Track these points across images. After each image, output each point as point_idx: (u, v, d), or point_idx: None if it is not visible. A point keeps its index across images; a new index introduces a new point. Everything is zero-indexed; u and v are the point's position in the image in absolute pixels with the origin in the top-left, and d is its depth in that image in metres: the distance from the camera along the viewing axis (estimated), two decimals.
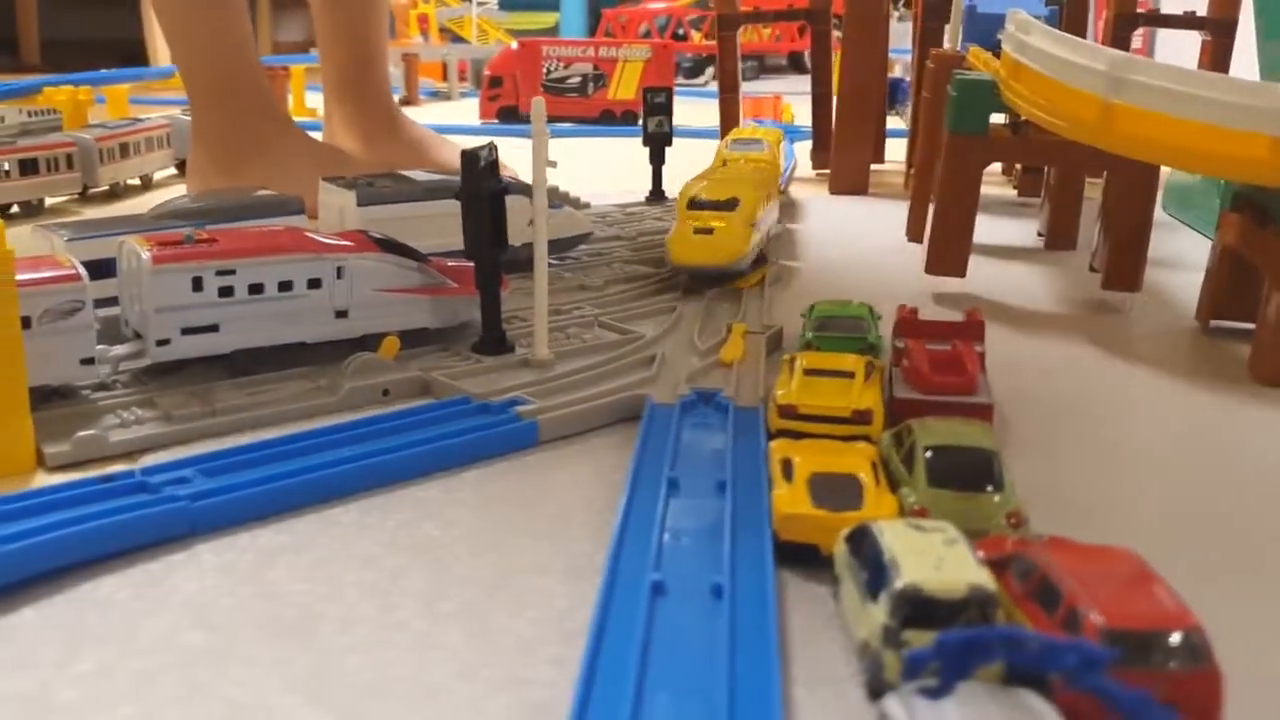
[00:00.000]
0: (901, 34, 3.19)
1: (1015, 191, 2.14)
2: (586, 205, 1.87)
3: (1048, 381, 1.09)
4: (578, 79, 3.56)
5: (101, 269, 1.00)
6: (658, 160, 1.99)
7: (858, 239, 1.76)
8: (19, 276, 0.83)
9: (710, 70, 5.64)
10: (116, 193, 2.04)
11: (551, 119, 3.42)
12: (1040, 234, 1.73)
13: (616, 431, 0.94)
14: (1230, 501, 0.83)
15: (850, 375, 0.90)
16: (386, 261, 1.07)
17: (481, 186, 1.03)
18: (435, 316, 1.10)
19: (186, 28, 1.80)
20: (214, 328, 0.98)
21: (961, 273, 1.36)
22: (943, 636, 0.49)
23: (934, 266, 1.36)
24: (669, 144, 1.98)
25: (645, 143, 1.98)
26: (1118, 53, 1.11)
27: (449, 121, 3.27)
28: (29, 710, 0.56)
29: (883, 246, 1.70)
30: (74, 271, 0.91)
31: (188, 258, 0.97)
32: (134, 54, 5.21)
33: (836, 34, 2.48)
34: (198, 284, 0.97)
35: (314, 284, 1.04)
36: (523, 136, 3.20)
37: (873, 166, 2.30)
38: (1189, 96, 1.05)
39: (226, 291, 0.98)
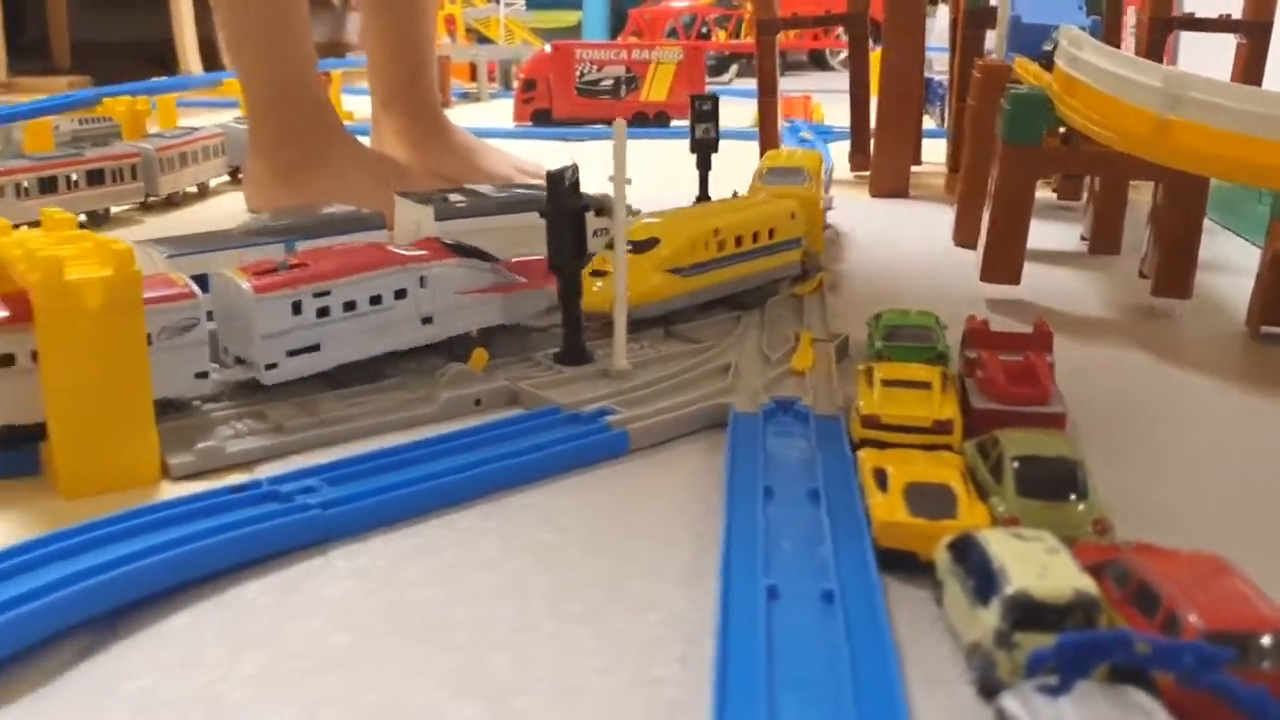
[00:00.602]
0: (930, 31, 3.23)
1: (1055, 194, 2.18)
2: (638, 212, 1.91)
3: (1106, 388, 1.13)
4: (610, 81, 3.61)
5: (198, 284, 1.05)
6: (704, 166, 2.03)
7: (904, 243, 1.80)
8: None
9: (734, 68, 5.69)
10: (175, 201, 2.09)
11: (584, 121, 3.47)
12: (1084, 238, 1.76)
13: (699, 439, 0.99)
14: None
15: (928, 386, 0.94)
16: (463, 265, 1.12)
17: (566, 204, 1.08)
18: (509, 313, 1.16)
19: (252, 39, 1.86)
20: (316, 347, 1.03)
21: (1016, 280, 1.40)
22: (1063, 638, 0.53)
23: (989, 274, 1.40)
24: (715, 150, 2.02)
25: (693, 149, 2.02)
26: (1174, 70, 1.15)
27: (481, 124, 3.31)
28: (199, 706, 0.61)
29: (930, 251, 1.74)
30: (188, 290, 0.96)
31: (286, 285, 1.02)
32: (163, 57, 5.28)
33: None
34: (297, 308, 1.02)
35: (400, 294, 1.09)
36: (556, 139, 3.24)
37: (912, 169, 2.34)
38: (1246, 112, 1.09)
39: (324, 312, 1.03)
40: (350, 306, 1.05)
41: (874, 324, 1.14)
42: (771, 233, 1.36)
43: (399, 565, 0.76)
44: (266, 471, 0.89)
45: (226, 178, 2.30)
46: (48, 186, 1.81)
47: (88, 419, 0.85)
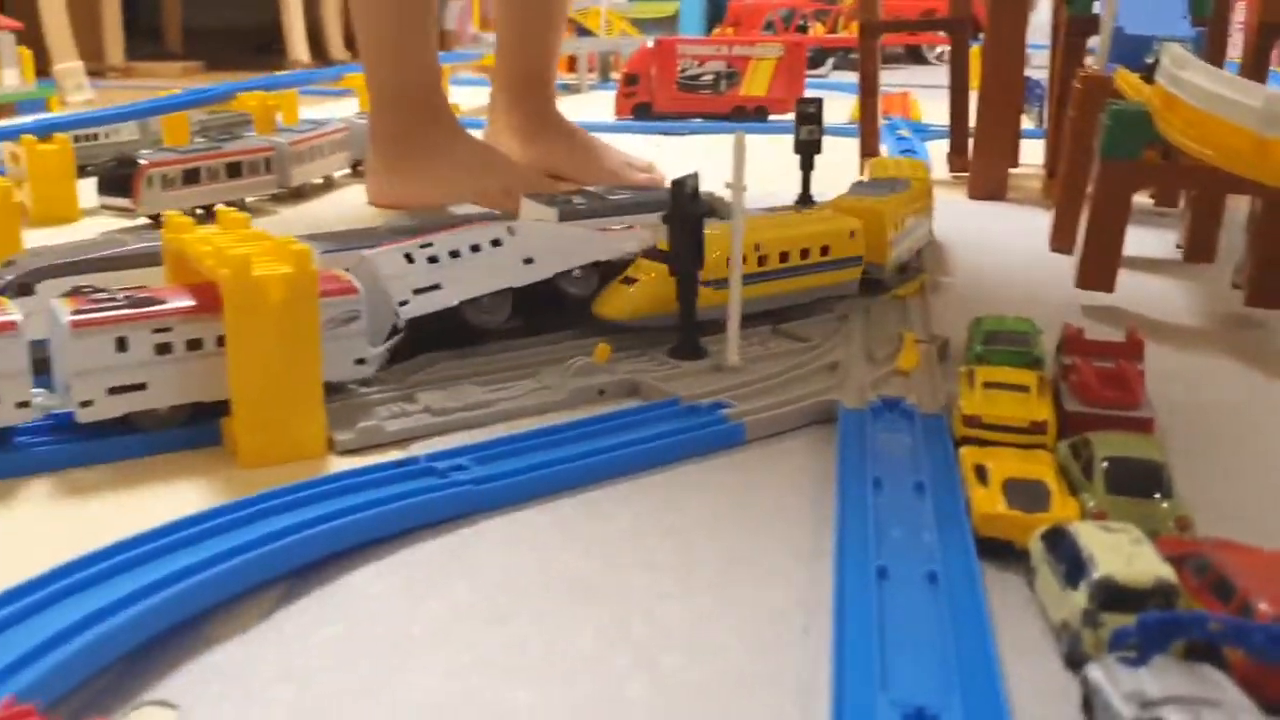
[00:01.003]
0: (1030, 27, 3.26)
1: (1152, 201, 2.21)
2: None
3: (1195, 394, 1.19)
4: (711, 76, 3.68)
5: None
6: (807, 167, 2.11)
7: (1001, 247, 1.86)
8: None
9: (831, 61, 5.72)
10: (303, 193, 2.22)
11: (683, 116, 3.54)
12: (1179, 245, 1.81)
13: (809, 433, 1.07)
14: None
15: (1026, 389, 1.01)
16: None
17: (688, 211, 1.17)
18: (605, 250, 1.27)
19: (380, 36, 1.97)
20: (437, 286, 1.18)
21: (1111, 288, 1.45)
22: (1143, 616, 0.61)
23: (1084, 281, 1.46)
24: (819, 151, 2.10)
25: (797, 150, 2.09)
26: (1274, 91, 1.20)
27: (582, 116, 3.41)
28: (393, 648, 0.71)
29: (1027, 256, 1.79)
30: (352, 284, 1.06)
31: (393, 241, 1.19)
32: (270, 43, 5.47)
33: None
34: (409, 258, 1.17)
35: (496, 243, 1.23)
36: (657, 133, 3.31)
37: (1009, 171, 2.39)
38: None
39: (433, 259, 1.19)
40: (455, 254, 1.20)
41: (974, 328, 1.21)
42: (825, 250, 1.37)
43: (543, 537, 0.86)
44: (418, 450, 0.99)
45: (349, 171, 2.42)
46: (191, 178, 1.94)
47: (265, 398, 0.96)
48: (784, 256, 1.33)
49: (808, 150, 2.09)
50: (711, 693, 0.67)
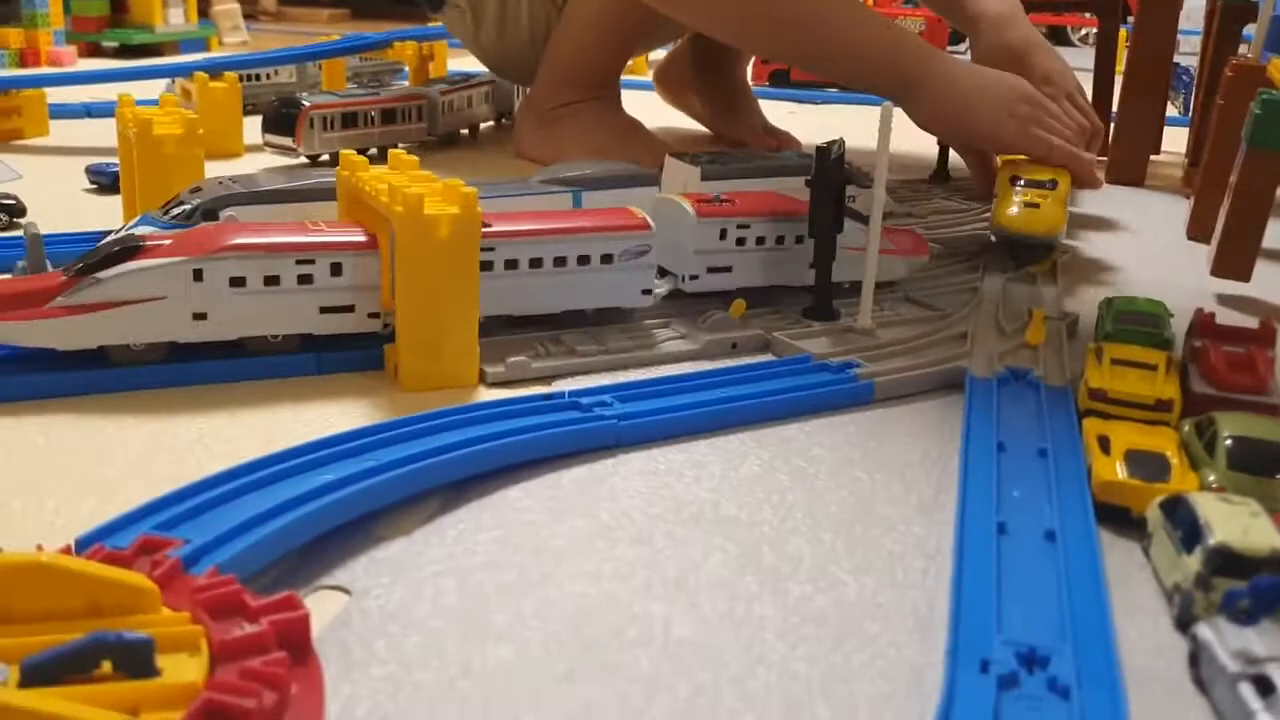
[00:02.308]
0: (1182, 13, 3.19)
1: None
2: (869, 179, 2.01)
3: None
4: None
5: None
6: (945, 144, 2.12)
7: (1137, 231, 1.85)
8: (608, 222, 1.16)
9: None
10: (452, 141, 2.30)
11: (820, 85, 3.53)
12: None
13: (937, 397, 1.10)
14: None
15: (1154, 368, 1.03)
16: (854, 224, 1.25)
17: (830, 177, 1.21)
18: (883, 271, 1.29)
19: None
20: (729, 269, 1.25)
21: (1247, 277, 1.45)
22: (1257, 578, 0.64)
23: (1220, 269, 1.46)
24: None
25: None
26: None
27: None
28: (541, 555, 0.78)
29: (1162, 242, 1.79)
30: (646, 222, 1.16)
31: (719, 214, 1.24)
32: None
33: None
34: (723, 234, 1.24)
35: (799, 240, 1.27)
36: (791, 100, 3.32)
37: (1150, 158, 2.36)
38: None
39: (740, 241, 1.25)
40: (760, 241, 1.26)
41: (1105, 308, 1.23)
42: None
43: (678, 472, 0.92)
44: (562, 387, 1.06)
45: (493, 123, 2.50)
46: (349, 122, 2.03)
47: (428, 328, 1.03)
48: None
49: None
50: (835, 619, 0.72)
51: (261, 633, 0.60)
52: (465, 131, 2.39)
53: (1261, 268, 1.49)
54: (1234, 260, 1.46)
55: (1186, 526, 0.75)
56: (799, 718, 0.63)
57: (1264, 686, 0.60)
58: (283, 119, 1.96)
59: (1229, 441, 0.88)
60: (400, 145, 2.17)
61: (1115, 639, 0.68)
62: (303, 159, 1.98)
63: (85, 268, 0.99)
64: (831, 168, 1.21)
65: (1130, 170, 2.26)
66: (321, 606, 0.71)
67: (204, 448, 0.90)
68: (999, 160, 1.72)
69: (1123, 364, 1.04)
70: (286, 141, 1.97)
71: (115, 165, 1.60)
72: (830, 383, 1.08)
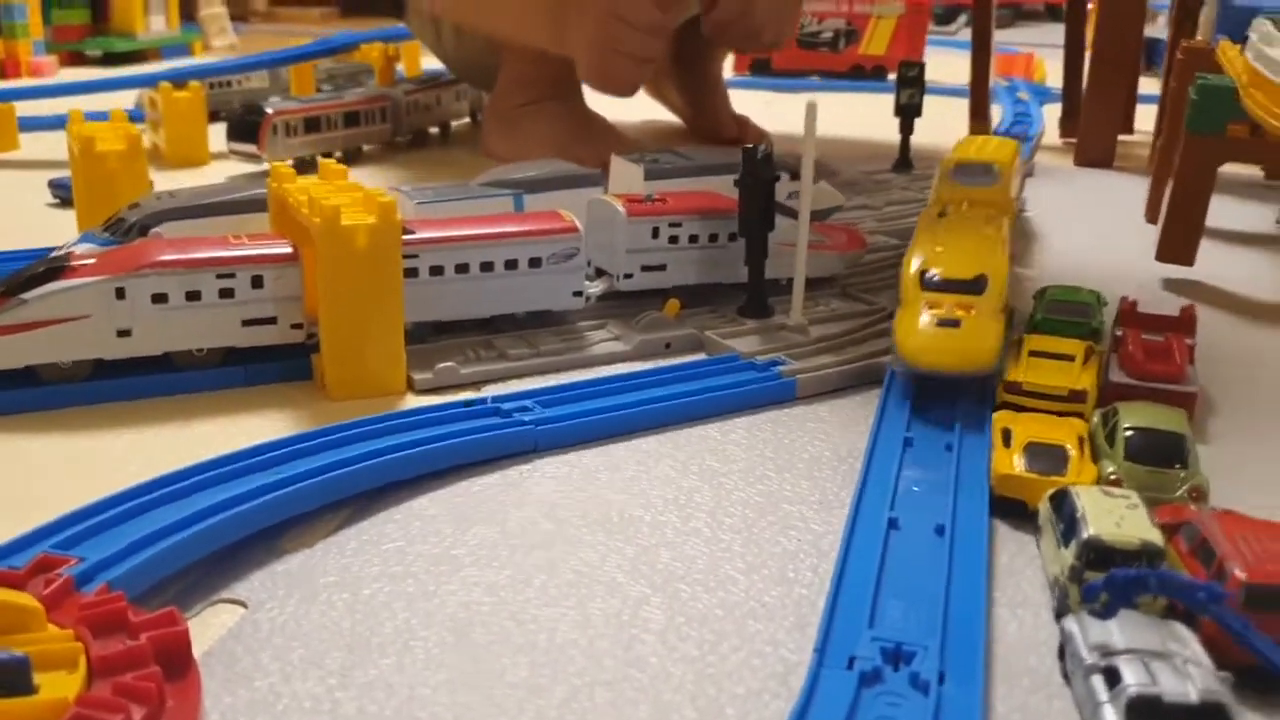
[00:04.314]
0: None
1: (1263, 174, 2.16)
2: (835, 173, 2.03)
3: (1258, 369, 1.20)
4: (830, 34, 3.67)
5: None
6: (907, 131, 2.13)
7: (1097, 217, 1.86)
8: (534, 226, 1.17)
9: (963, 18, 5.60)
10: (421, 141, 2.32)
11: (801, 73, 3.54)
12: (1278, 221, 1.78)
13: (860, 393, 1.12)
14: None
15: (1071, 358, 1.04)
16: (785, 220, 1.27)
17: (758, 175, 1.22)
18: (814, 268, 1.31)
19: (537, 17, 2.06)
20: (663, 267, 1.27)
21: (1190, 262, 1.46)
22: (1112, 572, 0.65)
23: (1164, 254, 1.47)
24: (919, 115, 2.11)
25: (896, 113, 2.11)
26: None
27: None
28: (440, 564, 0.79)
29: (1121, 226, 1.79)
30: (573, 224, 1.18)
31: (650, 212, 1.26)
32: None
33: None
34: (655, 233, 1.26)
35: (732, 237, 1.28)
36: (772, 90, 3.33)
37: (1121, 138, 2.36)
38: None
39: (674, 240, 1.27)
40: (694, 239, 1.28)
41: (1039, 298, 1.24)
42: None
43: (592, 475, 0.93)
44: (491, 391, 1.07)
45: (469, 119, 2.51)
46: (312, 126, 2.05)
47: (352, 337, 1.04)
48: None
49: (908, 114, 2.11)
50: (719, 619, 0.74)
51: (139, 647, 0.62)
52: (436, 130, 2.40)
53: (1217, 250, 1.50)
54: (1177, 245, 1.46)
55: (1068, 519, 0.76)
56: (669, 717, 0.64)
57: (1113, 678, 0.61)
58: (246, 126, 1.98)
59: (1128, 433, 0.89)
60: (366, 147, 2.19)
61: (985, 634, 0.70)
62: (267, 165, 1.99)
63: (9, 289, 1.01)
64: (759, 167, 1.22)
65: (1097, 151, 2.27)
66: (216, 620, 0.72)
67: (128, 463, 0.92)
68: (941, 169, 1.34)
69: (1041, 355, 1.06)
70: (251, 148, 1.99)
71: None
72: (752, 381, 1.09)
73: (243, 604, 0.74)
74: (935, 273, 1.09)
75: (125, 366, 1.04)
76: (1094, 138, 2.28)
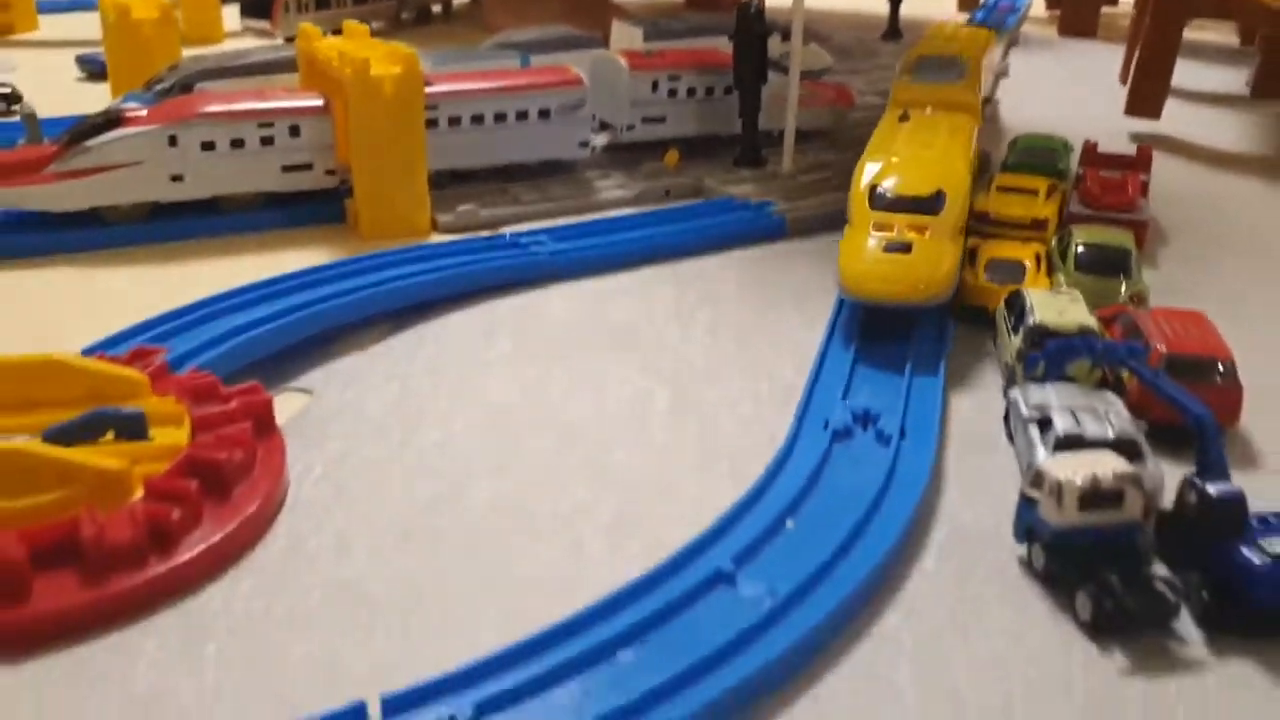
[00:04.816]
0: None
1: (1239, 40, 2.24)
2: (828, 38, 2.11)
3: (1206, 211, 1.31)
4: None
5: None
6: (896, 3, 2.21)
7: (1076, 83, 1.95)
8: (543, 79, 1.26)
9: None
10: (423, 18, 2.39)
11: None
12: (1247, 83, 1.87)
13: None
14: None
15: (1035, 193, 1.15)
16: (777, 75, 1.36)
17: (750, 30, 1.31)
18: (805, 121, 1.40)
19: None
20: (662, 119, 1.36)
21: (1157, 115, 1.56)
22: (1047, 344, 0.77)
23: (1132, 108, 1.57)
24: None
25: None
26: None
27: None
28: (473, 365, 0.91)
29: (1097, 91, 1.88)
30: (578, 77, 1.28)
31: (651, 66, 1.36)
32: None
33: None
34: (655, 86, 1.35)
35: (728, 91, 1.38)
36: None
37: (1106, 10, 2.43)
38: None
39: (673, 93, 1.36)
40: (691, 93, 1.38)
41: (1011, 144, 1.34)
42: None
43: (601, 299, 1.05)
44: (512, 230, 1.18)
45: None
46: (322, 3, 2.12)
47: (381, 180, 1.15)
48: None
49: None
50: (714, 403, 0.86)
51: (232, 410, 0.74)
52: (438, 9, 2.47)
53: (1184, 109, 1.60)
54: (1145, 99, 1.56)
55: (1018, 313, 0.88)
56: (670, 470, 0.77)
57: (1045, 426, 0.73)
58: (259, 4, 2.06)
59: (1079, 249, 1.01)
60: (374, 24, 2.26)
61: (940, 403, 0.82)
62: (280, 40, 2.07)
63: (73, 138, 1.12)
64: (751, 22, 1.31)
65: (1080, 21, 2.34)
66: (287, 404, 0.84)
67: (188, 289, 1.03)
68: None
69: (1008, 190, 1.16)
70: (264, 24, 2.06)
71: (102, 55, 1.72)
72: (748, 220, 1.20)
73: (308, 392, 0.86)
74: (887, 188, 0.98)
75: (178, 209, 1.15)
76: (1076, 7, 2.35)
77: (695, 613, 0.60)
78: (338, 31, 2.05)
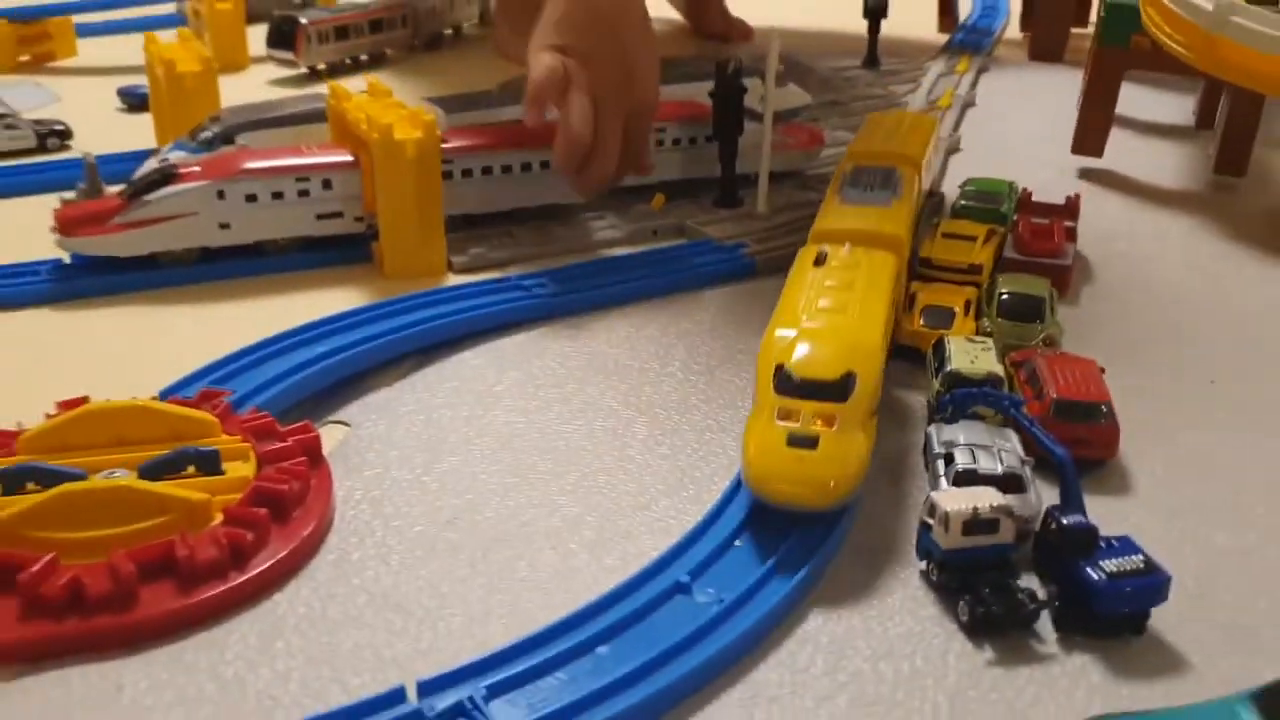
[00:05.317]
0: None
1: None
2: (811, 70, 2.26)
3: (1131, 245, 1.47)
4: None
5: None
6: (874, 31, 2.36)
7: (1039, 108, 2.09)
8: (543, 135, 1.38)
9: None
10: (435, 44, 2.55)
11: None
12: (1193, 113, 2.03)
13: None
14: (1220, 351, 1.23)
15: (974, 239, 1.32)
16: (753, 124, 1.52)
17: (729, 87, 1.48)
18: (778, 164, 1.56)
19: None
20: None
21: (1099, 154, 1.72)
22: (954, 390, 0.94)
23: (1078, 148, 1.73)
24: (885, 16, 2.34)
25: (865, 15, 2.34)
26: None
27: None
28: (486, 397, 1.08)
29: (1057, 118, 2.02)
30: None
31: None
32: None
33: None
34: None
35: (709, 140, 1.54)
36: None
37: (1077, 31, 2.57)
38: (1271, 38, 1.38)
39: (659, 143, 1.53)
40: (676, 142, 1.55)
41: (963, 186, 1.51)
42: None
43: (596, 335, 1.22)
44: (514, 271, 1.35)
45: (477, 20, 2.73)
46: (341, 34, 2.28)
47: (403, 227, 1.32)
48: None
49: (875, 16, 2.34)
50: (686, 432, 1.03)
51: (289, 446, 0.91)
52: (450, 32, 2.63)
53: (1132, 141, 1.75)
54: (1089, 141, 1.72)
55: (940, 359, 1.05)
56: (646, 491, 0.94)
57: (950, 461, 0.90)
58: (283, 35, 2.22)
59: (1002, 296, 1.18)
60: (388, 51, 2.43)
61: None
62: (303, 70, 2.24)
63: (134, 192, 1.29)
64: (730, 81, 1.48)
65: (1047, 45, 2.48)
66: (329, 435, 1.01)
67: (240, 328, 1.20)
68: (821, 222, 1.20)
69: (950, 236, 1.33)
70: (288, 55, 2.23)
71: (142, 87, 1.89)
72: (721, 261, 1.37)
73: (346, 424, 1.04)
74: (793, 368, 0.92)
75: (225, 253, 1.32)
76: (1046, 32, 2.49)
77: (659, 616, 0.78)
78: (356, 60, 2.24)
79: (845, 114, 2.00)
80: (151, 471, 0.86)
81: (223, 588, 0.79)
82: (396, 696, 0.69)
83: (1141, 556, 0.78)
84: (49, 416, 0.94)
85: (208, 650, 0.77)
